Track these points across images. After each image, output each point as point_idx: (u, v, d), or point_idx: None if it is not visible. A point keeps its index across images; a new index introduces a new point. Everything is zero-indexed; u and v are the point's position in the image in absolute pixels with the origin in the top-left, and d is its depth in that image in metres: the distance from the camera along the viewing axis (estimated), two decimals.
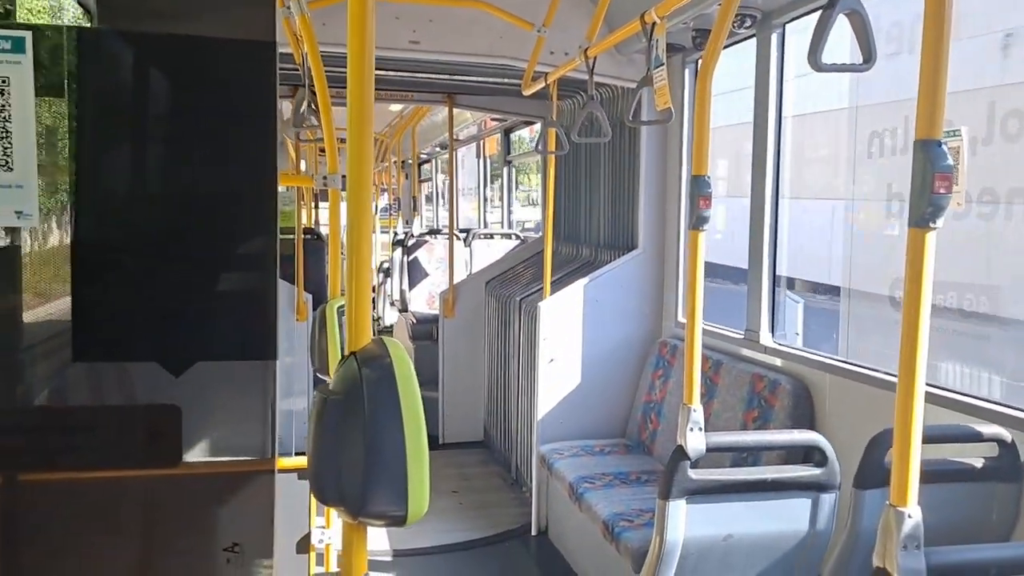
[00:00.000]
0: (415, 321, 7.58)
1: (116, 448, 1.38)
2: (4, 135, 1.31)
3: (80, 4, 1.76)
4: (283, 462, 2.24)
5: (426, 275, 8.28)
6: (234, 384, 1.51)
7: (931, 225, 1.59)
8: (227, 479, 1.54)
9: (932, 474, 1.90)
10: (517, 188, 11.03)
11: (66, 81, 1.37)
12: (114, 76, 1.42)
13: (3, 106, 1.31)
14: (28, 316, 1.50)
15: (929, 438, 1.75)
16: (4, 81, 1.31)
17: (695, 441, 2.45)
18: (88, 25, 1.67)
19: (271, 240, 1.42)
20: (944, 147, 1.57)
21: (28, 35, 1.32)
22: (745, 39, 3.84)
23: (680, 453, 2.46)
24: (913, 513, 1.64)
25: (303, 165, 10.59)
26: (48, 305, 1.49)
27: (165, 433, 1.36)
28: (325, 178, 2.94)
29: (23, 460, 1.40)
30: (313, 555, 2.77)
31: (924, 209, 1.58)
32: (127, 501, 1.45)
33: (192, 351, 1.40)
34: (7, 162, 1.31)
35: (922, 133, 1.56)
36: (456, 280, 6.44)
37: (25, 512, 1.45)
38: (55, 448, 1.37)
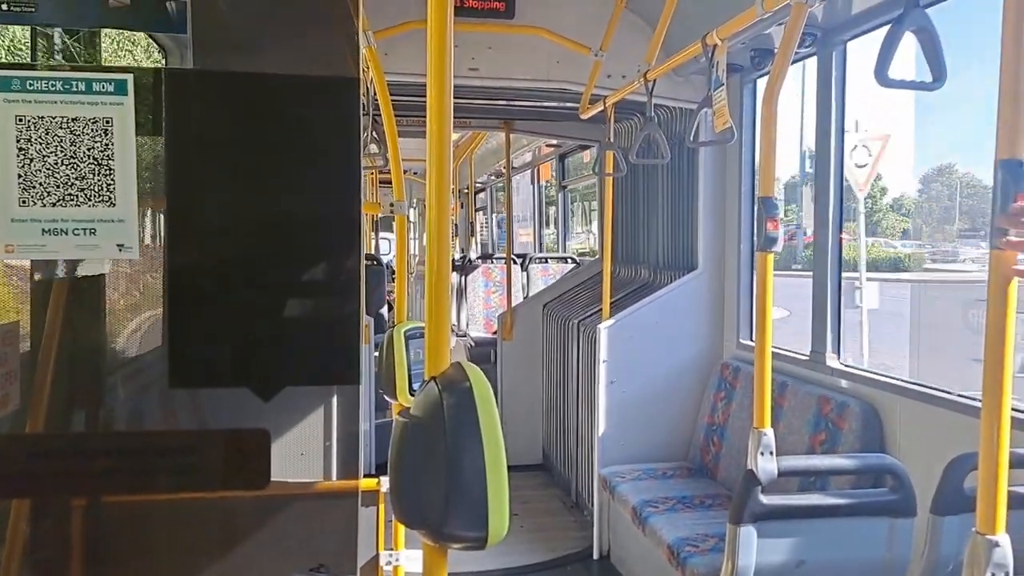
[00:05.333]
0: (473, 344, 7.65)
1: (208, 470, 1.43)
2: (108, 172, 1.38)
3: (156, 42, 1.85)
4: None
5: (471, 306, 8.45)
6: (318, 408, 1.55)
7: None
8: (311, 501, 1.59)
9: (1019, 500, 1.85)
10: (572, 227, 11.17)
11: (163, 120, 1.44)
12: (206, 114, 1.48)
13: (107, 145, 1.38)
14: (125, 342, 1.58)
15: (1016, 462, 1.71)
16: (108, 121, 1.38)
17: (767, 465, 2.42)
18: (164, 63, 1.76)
19: (355, 269, 1.47)
20: None
21: (129, 77, 1.39)
22: (805, 58, 3.82)
23: (751, 477, 2.43)
24: (1002, 541, 1.60)
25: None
26: (142, 332, 1.56)
27: (255, 456, 1.41)
28: (392, 205, 3.00)
29: (119, 482, 1.46)
30: None
31: None
32: (218, 522, 1.50)
33: (281, 376, 1.45)
34: (110, 198, 1.38)
35: (1003, 153, 1.54)
36: (513, 303, 6.48)
37: (122, 533, 1.51)
38: (152, 470, 1.42)
